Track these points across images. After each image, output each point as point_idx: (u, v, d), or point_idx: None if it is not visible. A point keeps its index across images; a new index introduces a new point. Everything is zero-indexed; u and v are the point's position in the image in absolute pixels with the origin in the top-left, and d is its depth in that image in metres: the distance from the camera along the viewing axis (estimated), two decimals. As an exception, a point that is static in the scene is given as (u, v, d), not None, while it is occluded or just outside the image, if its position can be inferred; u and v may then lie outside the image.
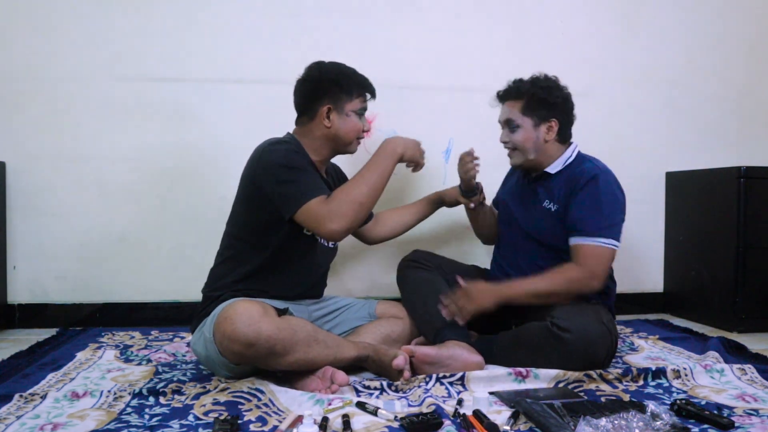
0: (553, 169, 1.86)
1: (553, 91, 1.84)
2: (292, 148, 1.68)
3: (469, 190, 1.98)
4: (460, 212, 2.19)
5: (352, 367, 1.64)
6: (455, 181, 1.99)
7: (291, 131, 1.81)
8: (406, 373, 1.55)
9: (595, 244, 1.71)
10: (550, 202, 1.84)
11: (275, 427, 1.27)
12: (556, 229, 1.81)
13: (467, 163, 1.91)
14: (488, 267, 2.08)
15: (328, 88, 1.72)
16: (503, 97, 1.89)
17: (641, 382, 1.59)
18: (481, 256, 2.19)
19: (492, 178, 2.16)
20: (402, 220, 2.09)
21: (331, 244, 1.84)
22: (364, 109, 1.78)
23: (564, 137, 1.89)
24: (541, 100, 1.82)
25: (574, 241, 1.75)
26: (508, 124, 1.86)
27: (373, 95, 1.80)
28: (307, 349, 1.52)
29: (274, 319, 1.48)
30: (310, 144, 1.76)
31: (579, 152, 1.90)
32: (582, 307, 1.69)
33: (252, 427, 1.28)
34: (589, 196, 1.74)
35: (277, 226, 1.65)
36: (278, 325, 1.47)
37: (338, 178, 1.97)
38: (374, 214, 2.07)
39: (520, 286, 1.74)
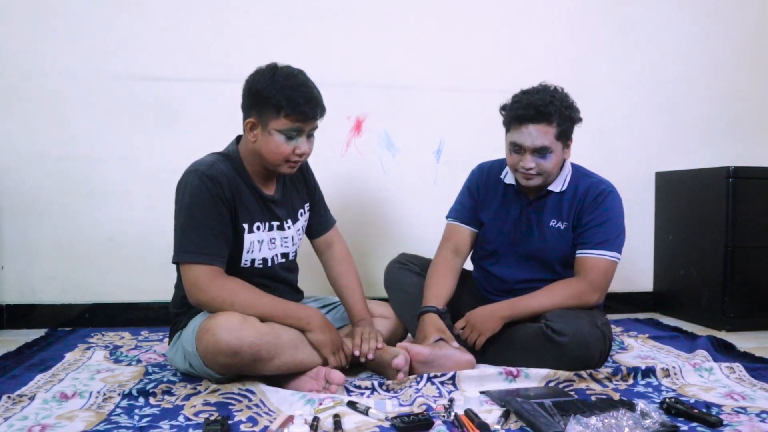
0: (556, 187, 1.80)
1: (575, 110, 1.73)
2: (205, 183, 1.51)
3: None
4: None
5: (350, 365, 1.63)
6: (446, 181, 1.96)
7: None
8: (400, 375, 1.55)
9: (598, 256, 1.73)
10: (557, 221, 1.79)
11: (266, 427, 1.27)
12: (564, 247, 1.78)
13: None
14: (472, 270, 2.02)
15: (255, 99, 1.53)
16: (531, 119, 1.67)
17: (631, 381, 1.60)
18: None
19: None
20: (336, 285, 1.85)
21: (291, 256, 1.75)
22: (295, 130, 1.53)
23: None
24: (571, 123, 1.72)
25: (579, 253, 1.76)
26: (541, 151, 1.68)
27: (307, 118, 1.52)
28: (294, 351, 1.51)
29: (255, 325, 1.46)
30: (247, 156, 1.61)
31: (570, 163, 1.86)
32: (577, 310, 1.69)
33: (242, 427, 1.28)
34: (599, 211, 1.75)
35: None
36: (260, 330, 1.46)
37: (305, 178, 1.81)
38: (333, 240, 1.87)
39: (524, 304, 1.72)
